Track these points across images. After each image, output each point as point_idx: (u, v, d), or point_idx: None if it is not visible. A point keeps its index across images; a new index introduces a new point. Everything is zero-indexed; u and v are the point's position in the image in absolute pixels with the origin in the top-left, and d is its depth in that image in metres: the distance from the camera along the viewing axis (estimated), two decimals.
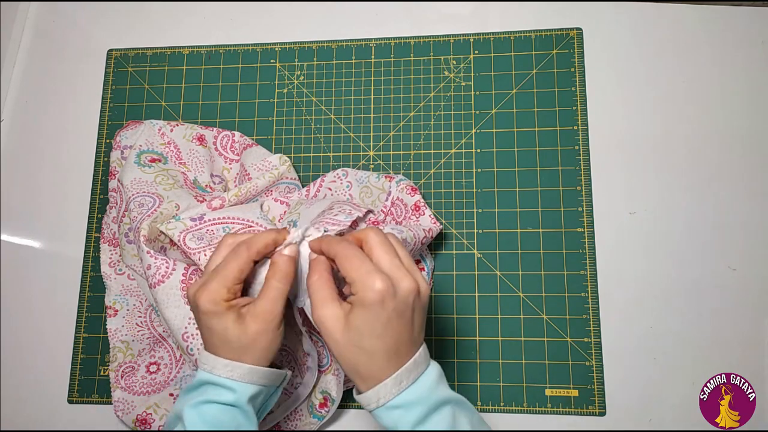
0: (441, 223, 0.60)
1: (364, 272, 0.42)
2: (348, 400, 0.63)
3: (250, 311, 0.45)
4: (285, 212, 0.62)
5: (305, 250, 0.48)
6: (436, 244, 0.65)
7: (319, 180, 0.64)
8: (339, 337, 0.42)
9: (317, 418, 0.58)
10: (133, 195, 0.60)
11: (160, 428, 0.59)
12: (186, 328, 0.54)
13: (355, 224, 0.54)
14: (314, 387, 0.58)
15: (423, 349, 0.44)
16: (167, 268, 0.55)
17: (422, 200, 0.59)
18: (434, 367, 0.44)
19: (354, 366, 0.42)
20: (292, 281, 0.46)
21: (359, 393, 0.43)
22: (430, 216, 0.58)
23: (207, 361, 0.46)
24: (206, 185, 0.66)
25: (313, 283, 0.44)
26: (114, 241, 0.67)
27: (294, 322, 0.54)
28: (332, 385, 0.57)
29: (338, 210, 0.54)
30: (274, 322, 0.45)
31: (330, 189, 0.63)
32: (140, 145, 0.66)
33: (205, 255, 0.55)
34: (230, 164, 0.68)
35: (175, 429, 0.45)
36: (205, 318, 0.45)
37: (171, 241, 0.58)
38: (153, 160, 0.65)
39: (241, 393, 0.44)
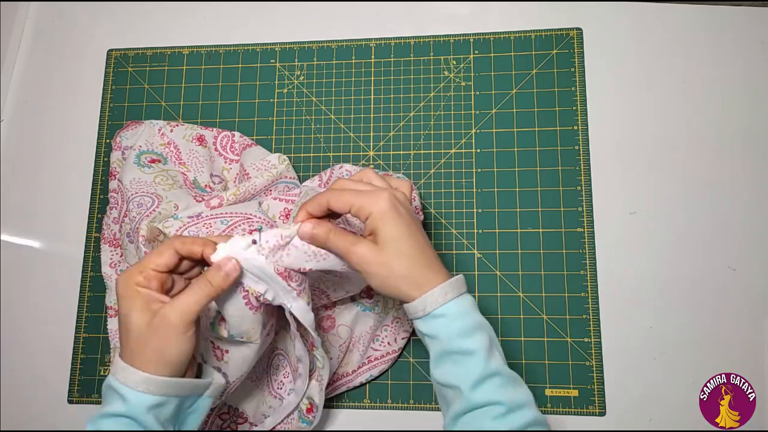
0: (422, 215, 0.59)
1: (366, 195, 0.46)
2: (343, 401, 0.63)
3: (166, 304, 0.43)
4: (285, 209, 0.62)
5: (257, 262, 0.46)
6: (437, 244, 0.65)
7: (329, 170, 0.64)
8: (381, 259, 0.45)
9: (305, 422, 0.58)
10: (132, 195, 0.60)
11: None
12: None
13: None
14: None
15: (461, 276, 0.48)
16: None
17: (414, 193, 0.58)
18: (471, 296, 0.48)
19: (405, 274, 0.46)
20: (219, 293, 0.45)
21: (406, 303, 0.47)
22: (416, 207, 0.58)
23: (113, 363, 0.45)
24: (206, 185, 0.66)
25: (332, 239, 0.47)
26: (115, 242, 0.67)
27: (288, 326, 0.54)
28: (315, 391, 0.57)
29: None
30: (183, 323, 0.43)
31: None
32: (140, 146, 0.66)
33: None
34: (230, 164, 0.68)
35: None
36: (119, 303, 0.44)
37: None
38: (152, 161, 0.65)
39: (135, 403, 0.42)
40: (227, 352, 0.52)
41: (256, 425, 0.59)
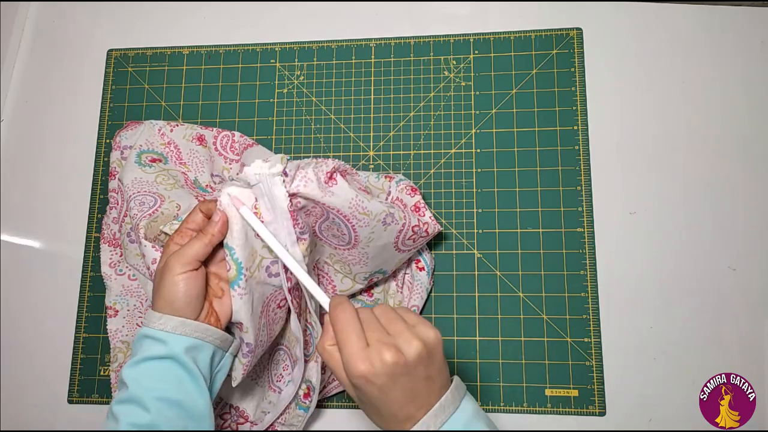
0: (441, 225, 0.59)
1: (348, 354, 0.42)
2: (343, 401, 0.63)
3: (173, 253, 0.48)
4: None
5: (278, 191, 0.49)
6: (436, 244, 0.65)
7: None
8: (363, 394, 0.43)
9: (302, 409, 0.58)
10: (133, 194, 0.60)
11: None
12: None
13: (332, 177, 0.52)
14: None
15: (458, 383, 0.44)
16: None
17: (422, 201, 0.58)
18: (470, 402, 0.44)
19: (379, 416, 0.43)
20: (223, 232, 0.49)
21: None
22: (430, 217, 0.58)
23: (146, 317, 0.48)
24: (207, 185, 0.66)
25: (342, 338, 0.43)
26: (114, 242, 0.67)
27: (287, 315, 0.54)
28: (313, 372, 0.57)
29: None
30: (180, 266, 0.47)
31: None
32: (140, 145, 0.66)
33: None
34: (230, 164, 0.68)
35: (120, 392, 0.46)
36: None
37: None
38: (153, 160, 0.65)
39: (174, 344, 0.46)
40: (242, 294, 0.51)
41: (256, 424, 0.59)
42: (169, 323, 0.47)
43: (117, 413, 0.45)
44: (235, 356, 0.52)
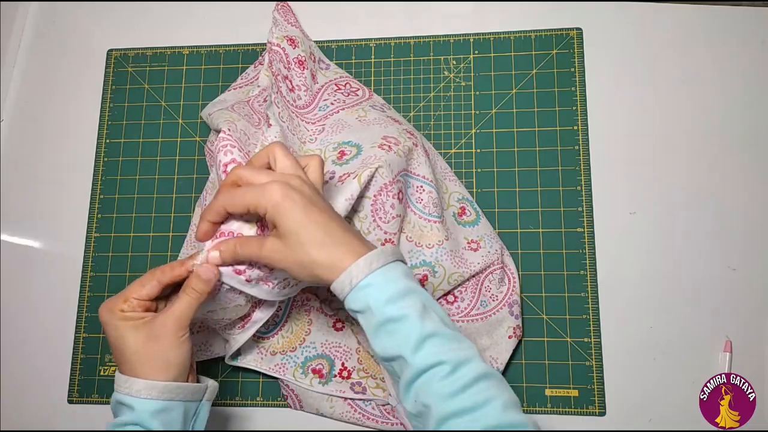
0: None
1: (258, 191, 0.45)
2: None
3: (160, 315, 0.46)
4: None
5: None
6: None
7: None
8: (288, 252, 0.45)
9: (320, 383, 0.60)
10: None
11: None
12: None
13: None
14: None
15: (393, 247, 0.47)
16: None
17: None
18: (403, 264, 0.47)
19: (317, 261, 0.44)
20: (209, 292, 0.47)
21: (333, 284, 0.45)
22: None
23: (116, 380, 0.47)
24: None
25: (239, 252, 0.46)
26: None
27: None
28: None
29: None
30: (179, 328, 0.46)
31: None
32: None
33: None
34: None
35: None
36: (106, 331, 0.47)
37: None
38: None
39: (141, 410, 0.44)
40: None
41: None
42: (133, 387, 0.45)
43: None
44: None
